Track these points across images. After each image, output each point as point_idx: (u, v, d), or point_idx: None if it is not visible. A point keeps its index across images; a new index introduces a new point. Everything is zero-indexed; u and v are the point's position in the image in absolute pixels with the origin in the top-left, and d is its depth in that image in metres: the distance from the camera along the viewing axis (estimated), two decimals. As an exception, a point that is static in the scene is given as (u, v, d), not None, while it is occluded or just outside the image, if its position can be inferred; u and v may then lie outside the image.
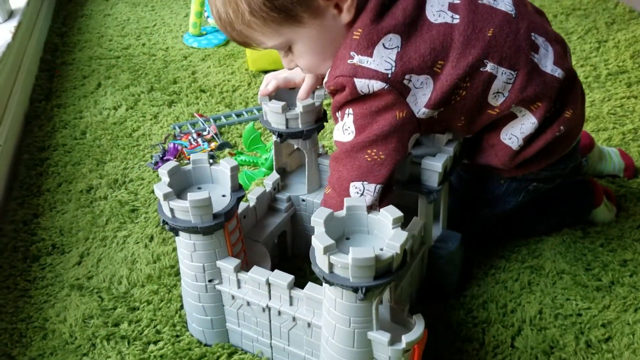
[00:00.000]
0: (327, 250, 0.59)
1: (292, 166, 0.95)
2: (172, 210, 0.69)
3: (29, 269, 0.94)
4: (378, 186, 0.72)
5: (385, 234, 0.62)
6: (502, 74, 0.71)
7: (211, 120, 1.31)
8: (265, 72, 1.47)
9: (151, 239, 0.99)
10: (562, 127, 0.77)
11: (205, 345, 0.80)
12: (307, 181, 0.89)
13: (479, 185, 0.89)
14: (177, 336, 0.81)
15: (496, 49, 0.70)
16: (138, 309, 0.85)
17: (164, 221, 0.71)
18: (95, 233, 1.01)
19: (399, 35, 0.68)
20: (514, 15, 0.73)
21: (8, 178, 1.14)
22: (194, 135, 1.25)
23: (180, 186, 0.74)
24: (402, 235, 0.59)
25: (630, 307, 0.82)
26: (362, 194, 0.72)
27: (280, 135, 0.83)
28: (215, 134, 1.26)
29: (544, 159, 0.81)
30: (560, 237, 0.93)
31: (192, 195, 0.67)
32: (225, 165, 0.73)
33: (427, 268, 0.83)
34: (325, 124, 0.86)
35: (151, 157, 1.20)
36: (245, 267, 0.74)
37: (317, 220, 0.62)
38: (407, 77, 0.68)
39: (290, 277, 0.70)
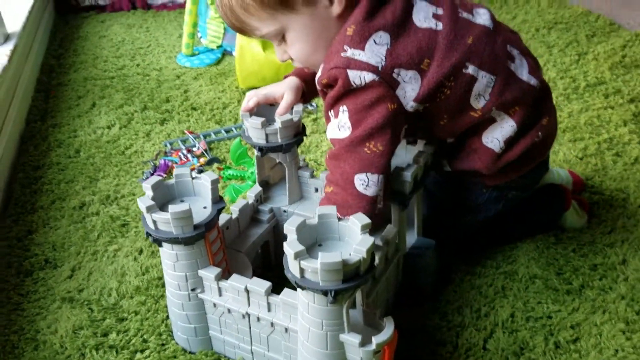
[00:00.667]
0: (298, 255, 0.62)
1: (275, 179, 0.98)
2: (154, 222, 0.73)
3: (22, 283, 0.97)
4: (381, 176, 0.75)
5: (355, 240, 0.65)
6: (482, 77, 0.77)
7: (201, 136, 1.35)
8: (254, 89, 1.51)
9: (140, 252, 1.02)
10: (540, 134, 0.83)
11: (190, 352, 0.82)
12: (288, 193, 0.92)
13: (460, 193, 0.93)
14: (163, 345, 0.84)
15: (476, 54, 0.76)
16: (126, 320, 0.88)
17: (147, 233, 0.74)
18: (86, 247, 1.04)
19: (389, 33, 0.74)
20: (491, 29, 0.79)
21: (3, 196, 1.18)
22: (184, 152, 1.29)
23: (164, 199, 0.77)
24: (369, 240, 0.63)
25: (598, 309, 0.84)
26: (367, 186, 0.75)
27: (260, 149, 0.87)
28: (205, 150, 1.30)
29: (524, 165, 0.86)
30: (534, 243, 0.96)
31: (173, 208, 0.71)
32: (206, 178, 0.77)
33: (402, 274, 0.86)
34: (304, 137, 0.89)
35: (142, 173, 1.24)
36: (227, 275, 0.77)
37: (290, 228, 0.65)
38: (396, 70, 0.73)
39: (267, 284, 0.73)
